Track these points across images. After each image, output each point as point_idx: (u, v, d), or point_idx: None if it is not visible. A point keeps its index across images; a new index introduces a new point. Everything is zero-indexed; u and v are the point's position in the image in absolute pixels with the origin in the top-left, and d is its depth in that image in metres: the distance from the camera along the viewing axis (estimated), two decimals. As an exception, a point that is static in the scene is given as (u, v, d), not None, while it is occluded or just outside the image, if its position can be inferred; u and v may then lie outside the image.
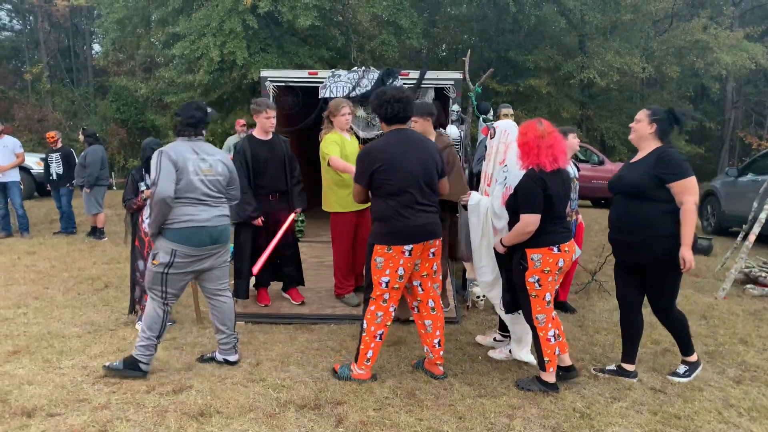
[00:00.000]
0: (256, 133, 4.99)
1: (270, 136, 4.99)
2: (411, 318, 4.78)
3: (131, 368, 3.74)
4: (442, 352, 3.85)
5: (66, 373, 3.80)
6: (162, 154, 3.67)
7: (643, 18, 21.16)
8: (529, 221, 3.42)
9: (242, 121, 10.25)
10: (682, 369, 3.86)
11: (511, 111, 5.95)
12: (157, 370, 3.88)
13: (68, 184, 9.24)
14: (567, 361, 3.74)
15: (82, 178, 8.78)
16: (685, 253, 3.44)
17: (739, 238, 7.10)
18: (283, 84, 6.43)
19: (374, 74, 6.22)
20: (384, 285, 3.63)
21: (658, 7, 21.64)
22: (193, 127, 3.83)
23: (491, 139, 4.22)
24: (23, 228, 8.93)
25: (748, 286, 6.24)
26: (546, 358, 3.59)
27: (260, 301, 5.19)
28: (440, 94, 6.33)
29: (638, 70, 19.71)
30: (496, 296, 4.08)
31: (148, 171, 4.66)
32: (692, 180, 3.45)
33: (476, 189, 4.73)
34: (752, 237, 6.27)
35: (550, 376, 3.61)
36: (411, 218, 3.56)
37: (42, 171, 10.49)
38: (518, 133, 3.59)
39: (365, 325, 3.69)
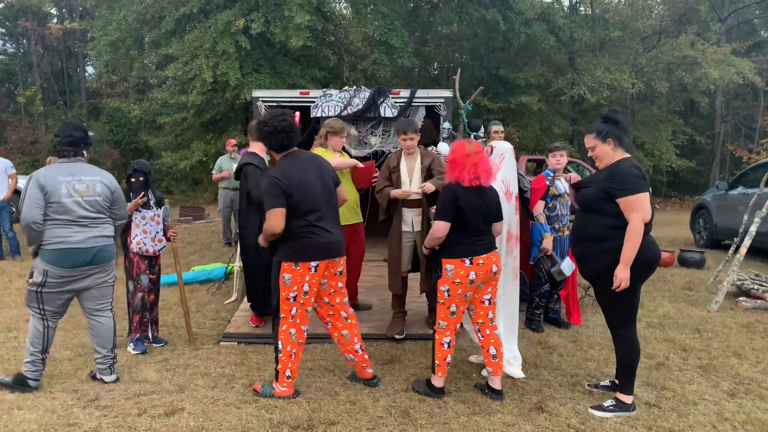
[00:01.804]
0: (258, 150, 4.97)
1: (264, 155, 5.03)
2: (402, 336, 4.80)
3: (20, 384, 3.84)
4: (366, 356, 3.95)
5: (57, 396, 3.76)
6: (32, 179, 3.72)
7: (631, 35, 21.46)
8: (438, 227, 3.67)
9: (233, 141, 10.25)
10: (608, 402, 3.58)
11: (501, 128, 5.99)
12: (149, 392, 3.85)
13: None
14: (498, 384, 3.79)
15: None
16: (620, 270, 3.34)
17: (730, 251, 7.13)
18: (275, 104, 6.46)
19: (365, 93, 6.26)
20: (292, 300, 3.69)
21: (646, 24, 21.97)
22: (72, 146, 3.87)
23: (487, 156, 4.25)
24: (14, 251, 8.88)
25: (741, 298, 6.26)
26: (437, 362, 3.75)
27: (253, 321, 5.17)
28: (431, 112, 6.38)
29: (628, 86, 19.95)
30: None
31: (134, 191, 4.70)
32: (640, 197, 3.36)
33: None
34: (743, 250, 6.30)
35: (437, 380, 3.77)
36: (316, 236, 3.67)
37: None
38: (450, 150, 3.81)
39: (280, 346, 3.73)
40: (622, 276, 3.34)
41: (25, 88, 27.71)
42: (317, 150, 5.03)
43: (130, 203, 4.66)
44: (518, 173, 5.90)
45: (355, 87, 6.39)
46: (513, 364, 4.10)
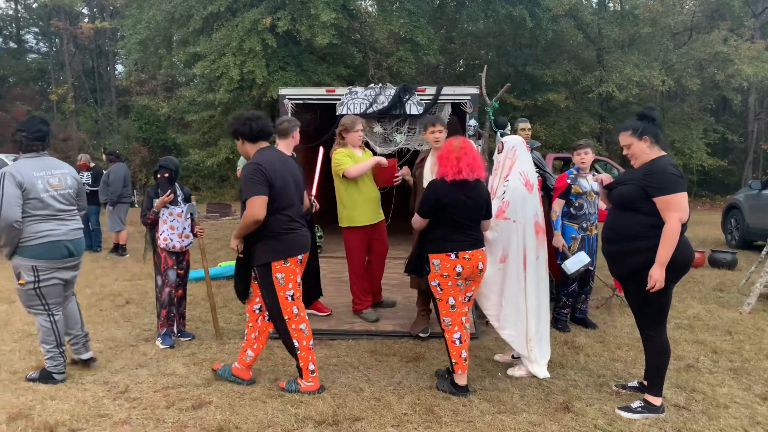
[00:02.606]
0: (284, 149, 4.96)
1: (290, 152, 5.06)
2: (426, 334, 4.79)
3: (46, 379, 3.91)
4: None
5: (87, 388, 3.84)
6: (5, 176, 3.67)
7: (661, 31, 21.10)
8: (415, 220, 3.85)
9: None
10: (636, 404, 3.50)
11: (528, 125, 5.95)
12: (177, 385, 3.90)
13: (97, 202, 9.40)
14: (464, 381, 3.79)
15: (105, 196, 8.95)
16: (655, 271, 3.27)
17: (764, 252, 6.96)
18: (301, 102, 6.50)
19: (391, 91, 6.26)
20: (290, 299, 3.70)
21: (677, 20, 21.57)
22: (40, 141, 3.88)
23: (498, 153, 4.23)
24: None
25: (775, 300, 6.11)
26: (453, 360, 3.75)
27: None
28: (457, 109, 6.35)
29: (658, 83, 19.61)
30: (506, 327, 4.08)
31: (161, 187, 4.76)
32: (678, 196, 3.28)
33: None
34: (777, 250, 6.14)
35: (460, 379, 3.75)
36: (298, 230, 3.74)
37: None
38: (441, 147, 3.89)
39: (296, 344, 3.74)
40: (657, 276, 3.27)
41: (57, 86, 28.36)
42: (341, 151, 5.00)
43: (157, 200, 4.73)
44: (546, 171, 5.88)
45: (380, 84, 6.40)
46: (540, 363, 4.06)
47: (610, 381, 4.01)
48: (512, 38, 22.59)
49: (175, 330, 4.92)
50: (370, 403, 3.62)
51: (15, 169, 3.72)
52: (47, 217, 3.79)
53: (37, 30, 33.66)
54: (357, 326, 5.04)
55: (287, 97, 6.41)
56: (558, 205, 5.18)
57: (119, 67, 31.87)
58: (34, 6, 32.97)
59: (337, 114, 6.35)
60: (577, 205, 5.17)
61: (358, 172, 4.90)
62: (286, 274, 3.67)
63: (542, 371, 4.05)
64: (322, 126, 6.96)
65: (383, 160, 5.05)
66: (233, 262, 7.71)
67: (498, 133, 6.70)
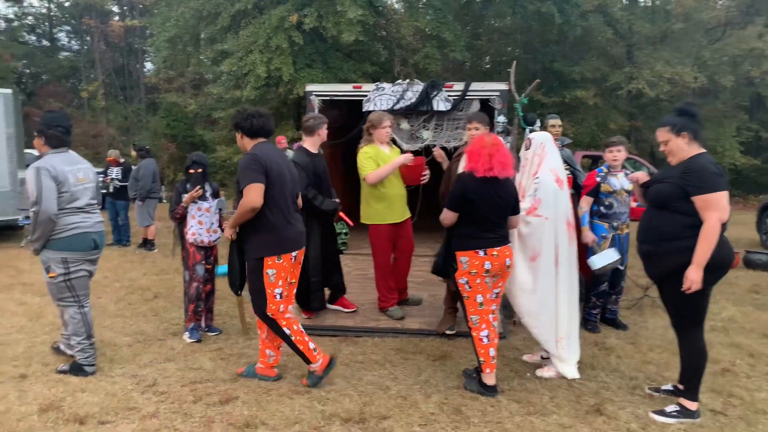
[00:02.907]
0: (309, 146, 4.94)
1: (317, 149, 5.06)
2: (453, 332, 4.73)
3: (77, 371, 3.96)
4: (280, 356, 3.99)
5: (117, 381, 3.88)
6: (40, 171, 3.74)
7: (694, 27, 20.62)
8: (446, 215, 3.75)
9: (283, 138, 10.42)
10: (670, 408, 3.42)
11: (558, 122, 5.83)
12: (204, 380, 3.92)
13: (126, 197, 9.52)
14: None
15: (134, 191, 9.06)
16: (692, 272, 3.16)
17: (802, 254, 6.75)
18: (327, 98, 6.48)
19: (419, 87, 6.19)
20: (278, 297, 3.68)
21: (710, 16, 21.07)
22: (66, 136, 3.99)
23: (526, 150, 4.15)
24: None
25: (814, 303, 5.91)
26: (481, 359, 3.70)
27: (305, 313, 5.21)
28: (486, 105, 6.26)
29: (690, 80, 19.17)
30: (537, 325, 4.00)
31: (192, 182, 4.78)
32: (718, 195, 3.17)
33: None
34: (817, 252, 5.94)
35: (488, 378, 3.70)
36: (293, 226, 3.73)
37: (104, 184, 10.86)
38: (469, 144, 3.83)
39: (288, 332, 3.71)
40: (693, 278, 3.17)
41: (88, 84, 28.86)
42: (368, 148, 4.96)
43: (186, 195, 4.75)
44: (576, 169, 5.77)
45: (408, 80, 6.34)
46: (569, 363, 3.98)
47: (642, 384, 3.91)
48: (540, 34, 22.27)
49: (203, 325, 4.95)
50: (397, 401, 3.58)
51: (48, 164, 3.79)
52: (76, 210, 3.88)
53: (69, 28, 34.29)
54: (383, 323, 5.01)
55: (314, 93, 6.39)
56: (586, 202, 5.08)
57: (148, 65, 32.32)
58: (66, 4, 33.59)
59: (363, 110, 6.31)
60: (607, 203, 5.06)
61: (378, 178, 4.86)
62: (278, 271, 3.66)
63: (572, 371, 3.97)
64: (348, 122, 6.93)
65: (409, 158, 4.97)
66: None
67: (527, 130, 6.59)
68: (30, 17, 33.92)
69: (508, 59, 24.14)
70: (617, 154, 5.02)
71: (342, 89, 6.57)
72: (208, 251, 4.93)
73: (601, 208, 5.08)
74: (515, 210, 3.80)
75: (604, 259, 4.69)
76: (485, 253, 3.63)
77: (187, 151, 23.99)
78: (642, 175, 3.79)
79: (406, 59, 18.39)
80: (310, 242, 4.91)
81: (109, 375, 3.98)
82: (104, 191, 9.69)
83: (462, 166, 4.70)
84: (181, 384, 3.84)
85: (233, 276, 3.93)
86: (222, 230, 4.97)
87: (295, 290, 4.00)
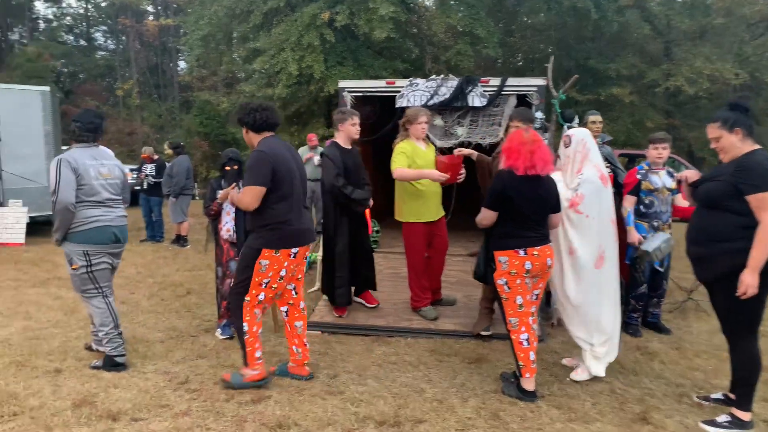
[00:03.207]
0: (341, 141, 4.91)
1: (350, 145, 5.00)
2: (488, 333, 4.61)
3: (110, 365, 3.98)
4: (308, 351, 3.95)
5: (149, 377, 3.86)
6: (61, 162, 3.81)
7: (736, 22, 19.96)
8: (485, 214, 3.63)
9: (314, 136, 10.40)
10: (722, 418, 3.26)
11: (599, 118, 5.64)
12: (236, 378, 3.87)
13: (160, 194, 9.61)
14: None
15: (168, 188, 9.13)
16: (747, 275, 2.98)
17: None
18: (360, 94, 6.40)
19: (453, 82, 6.08)
20: (264, 285, 3.62)
21: (753, 10, 20.35)
22: (92, 132, 4.02)
23: (565, 147, 3.98)
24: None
25: None
26: (521, 363, 3.57)
27: (336, 312, 5.14)
28: (523, 101, 6.10)
29: (731, 77, 18.55)
30: (576, 321, 3.87)
31: (227, 178, 4.74)
32: None
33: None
34: None
35: (528, 383, 3.57)
36: (297, 222, 3.64)
37: (132, 181, 10.99)
38: (506, 140, 3.68)
39: (246, 327, 3.65)
40: (749, 282, 2.99)
41: (123, 82, 29.40)
42: (405, 144, 4.84)
43: (221, 192, 4.72)
44: (617, 167, 5.58)
45: (442, 76, 6.23)
46: (602, 361, 3.82)
47: (689, 391, 3.73)
48: (575, 31, 21.83)
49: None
50: (433, 404, 3.48)
51: (69, 156, 3.86)
52: (96, 203, 3.91)
53: (105, 28, 35.04)
54: (415, 324, 4.91)
55: (347, 89, 6.32)
56: (629, 201, 4.90)
57: (182, 64, 32.79)
58: (103, 5, 34.30)
59: (396, 106, 6.22)
60: (647, 202, 4.87)
61: (402, 178, 4.74)
62: (271, 263, 3.59)
63: (601, 369, 3.82)
64: (381, 119, 6.85)
65: (443, 177, 4.72)
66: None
67: (565, 127, 6.42)
68: (68, 17, 34.79)
69: (541, 56, 23.78)
70: (663, 151, 4.82)
71: (375, 85, 6.49)
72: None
73: (641, 207, 4.89)
74: (556, 208, 3.67)
75: (654, 240, 4.47)
76: (525, 253, 3.51)
77: (219, 148, 24.23)
78: (692, 174, 3.61)
79: (438, 56, 18.21)
80: (337, 236, 4.95)
81: (142, 371, 3.97)
82: (138, 187, 9.81)
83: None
84: (214, 381, 3.80)
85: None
86: None
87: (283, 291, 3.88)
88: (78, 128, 4.00)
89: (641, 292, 4.95)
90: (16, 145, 9.56)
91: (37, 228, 9.81)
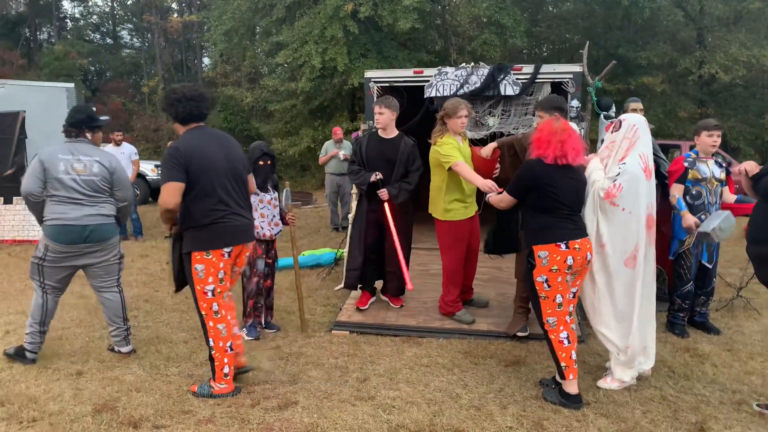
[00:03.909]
0: (380, 130, 4.89)
1: (390, 135, 4.83)
2: (525, 333, 4.37)
3: (19, 356, 3.97)
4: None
5: (172, 380, 3.71)
6: (37, 155, 3.85)
7: (773, 5, 19.20)
8: (504, 198, 3.60)
9: (339, 130, 10.21)
10: None
11: (640, 105, 5.32)
12: (262, 381, 3.71)
13: None
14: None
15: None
16: None
17: None
18: (387, 84, 6.18)
19: (484, 70, 5.81)
20: (210, 294, 3.43)
21: (791, -7, 19.58)
22: (74, 127, 3.96)
23: (614, 131, 3.68)
24: (137, 231, 9.32)
25: None
26: (563, 364, 3.35)
27: (359, 303, 4.97)
28: (558, 89, 5.82)
29: (768, 63, 17.89)
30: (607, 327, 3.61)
31: (258, 173, 4.55)
32: None
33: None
34: None
35: (571, 386, 3.35)
36: (226, 219, 3.40)
37: (157, 177, 10.94)
38: (536, 130, 3.54)
39: (211, 343, 3.47)
40: None
41: (149, 79, 29.57)
42: (448, 142, 4.52)
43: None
44: (659, 157, 5.27)
45: (472, 64, 5.97)
46: (633, 368, 3.57)
47: (748, 398, 3.46)
48: (603, 19, 21.27)
49: (263, 321, 4.75)
50: (470, 412, 3.26)
51: (47, 150, 3.88)
52: (64, 199, 3.83)
53: (131, 26, 35.32)
54: (448, 324, 4.69)
55: (373, 79, 6.10)
56: (677, 189, 4.55)
57: (206, 60, 32.88)
58: (128, 2, 34.57)
59: (425, 96, 5.99)
60: (694, 192, 4.56)
61: (462, 173, 4.37)
62: (207, 267, 3.36)
63: (626, 375, 3.56)
64: (408, 110, 6.61)
65: (493, 189, 4.45)
66: (317, 251, 7.61)
67: (601, 116, 6.12)
68: (95, 16, 35.13)
69: (568, 46, 23.28)
70: (717, 138, 4.50)
71: (402, 75, 6.25)
72: (269, 245, 4.73)
73: (687, 198, 4.57)
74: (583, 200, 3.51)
75: (713, 219, 4.04)
76: (567, 246, 3.28)
77: (243, 144, 24.06)
78: (751, 166, 3.32)
79: (463, 47, 17.90)
80: (355, 220, 5.02)
81: (165, 374, 3.82)
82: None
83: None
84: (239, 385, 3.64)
85: (173, 272, 3.67)
86: (285, 223, 4.78)
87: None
88: (63, 124, 3.99)
89: (687, 290, 4.65)
90: (41, 141, 9.47)
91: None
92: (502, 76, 5.76)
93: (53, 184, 3.80)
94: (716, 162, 4.66)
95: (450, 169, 4.41)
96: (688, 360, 4.08)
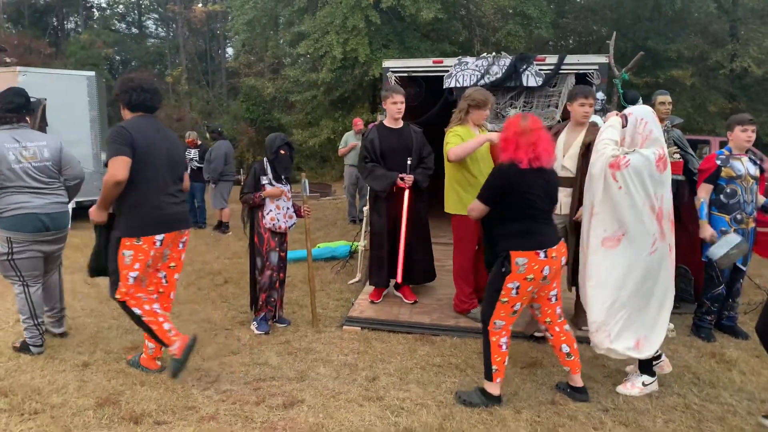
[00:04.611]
0: (386, 121, 4.78)
1: (399, 125, 4.75)
2: (542, 334, 4.20)
3: (24, 350, 3.93)
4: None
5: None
6: None
7: (810, -3, 18.55)
8: (475, 206, 3.32)
9: (360, 121, 10.08)
10: None
11: (668, 98, 5.08)
12: (269, 377, 3.61)
13: (203, 179, 9.48)
14: (579, 381, 3.39)
15: (208, 174, 8.99)
16: None
17: None
18: (405, 74, 6.02)
19: (506, 61, 5.62)
20: (131, 281, 3.39)
21: (830, -16, 18.89)
22: (14, 112, 3.83)
23: (622, 128, 3.49)
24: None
25: None
26: (494, 367, 3.25)
27: (372, 296, 4.87)
28: (582, 80, 5.60)
29: (804, 57, 17.29)
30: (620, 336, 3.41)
31: (279, 164, 4.45)
32: None
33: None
34: None
35: (494, 388, 3.27)
36: (163, 207, 3.42)
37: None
38: (503, 128, 3.36)
39: (138, 312, 3.43)
40: None
41: (173, 69, 29.76)
42: (459, 128, 4.41)
43: (271, 188, 4.41)
44: (688, 152, 5.06)
45: (494, 54, 5.78)
46: (615, 340, 3.37)
47: (779, 409, 3.26)
48: (632, 10, 20.76)
49: (275, 316, 4.65)
50: (482, 416, 3.13)
51: None
52: (21, 189, 3.73)
53: (156, 16, 35.57)
54: (462, 322, 4.55)
55: (391, 69, 5.95)
56: (705, 190, 4.37)
57: (230, 50, 32.98)
58: (154, -8, 34.82)
59: (444, 87, 5.82)
60: (728, 191, 4.34)
61: (459, 154, 4.22)
62: (135, 253, 3.36)
63: (605, 342, 3.38)
64: (427, 101, 6.45)
65: (494, 137, 4.39)
66: (332, 244, 7.50)
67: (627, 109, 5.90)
68: (121, 6, 35.43)
69: (596, 38, 22.78)
70: (752, 134, 4.28)
71: (421, 64, 6.08)
72: (283, 237, 4.61)
73: (721, 197, 4.36)
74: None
75: (722, 246, 3.98)
76: (546, 255, 3.13)
77: (265, 134, 24.11)
78: None
79: (487, 38, 17.61)
80: (372, 215, 4.90)
81: (172, 367, 3.75)
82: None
83: (562, 146, 4.19)
84: (245, 381, 3.55)
85: (95, 257, 3.60)
86: (299, 216, 4.67)
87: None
88: None
89: (718, 292, 4.43)
90: (62, 130, 9.54)
91: (84, 213, 9.85)
92: (524, 67, 5.57)
93: (6, 176, 3.68)
94: (750, 159, 4.43)
95: (448, 158, 4.33)
96: (714, 366, 3.88)
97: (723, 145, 4.48)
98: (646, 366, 3.47)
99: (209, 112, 29.23)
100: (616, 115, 3.55)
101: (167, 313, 3.60)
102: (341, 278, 6.21)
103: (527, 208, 3.16)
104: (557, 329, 3.38)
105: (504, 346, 3.26)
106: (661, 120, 5.04)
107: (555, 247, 3.18)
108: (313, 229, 9.16)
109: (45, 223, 3.81)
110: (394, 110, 4.62)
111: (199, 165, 9.47)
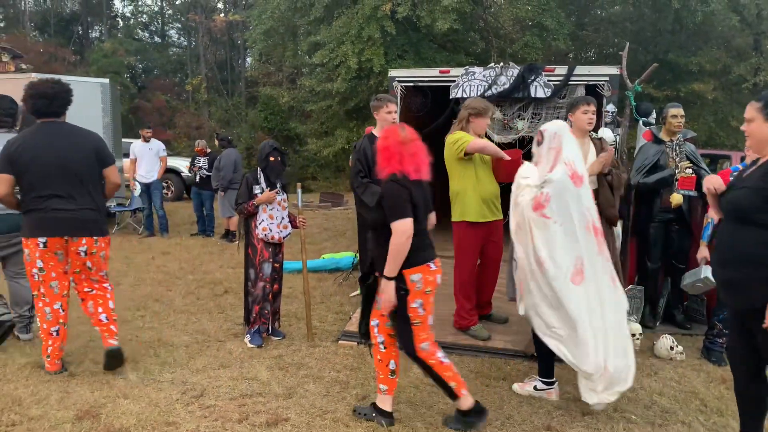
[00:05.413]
0: (376, 131, 4.69)
1: None
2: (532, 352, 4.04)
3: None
4: (113, 327, 3.80)
5: (163, 388, 3.54)
6: None
7: (837, 10, 18.16)
8: (405, 227, 2.92)
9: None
10: None
11: (681, 111, 4.88)
12: (255, 393, 3.51)
13: (212, 188, 9.47)
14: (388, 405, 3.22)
15: (216, 182, 8.97)
16: None
17: None
18: (411, 84, 5.94)
19: (514, 71, 5.51)
20: (36, 277, 3.62)
21: None
22: (11, 117, 4.10)
23: (538, 145, 3.36)
24: (162, 228, 9.31)
25: None
26: (451, 383, 3.05)
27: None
28: (592, 92, 5.46)
29: (830, 72, 16.90)
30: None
31: (271, 171, 4.39)
32: None
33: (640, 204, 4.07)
34: None
35: (467, 400, 3.07)
36: (46, 211, 3.53)
37: (190, 174, 10.97)
38: (379, 138, 3.23)
39: (38, 323, 3.73)
40: None
41: (193, 78, 30.09)
42: (456, 134, 4.33)
43: (262, 195, 4.34)
44: (701, 167, 4.89)
45: (501, 64, 5.68)
46: (601, 394, 3.16)
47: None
48: (653, 23, 20.50)
49: (270, 328, 4.55)
50: (472, 441, 2.98)
51: None
52: None
53: (179, 25, 36.06)
54: (462, 339, 4.40)
55: (397, 79, 5.87)
56: (716, 210, 4.18)
57: (249, 60, 33.26)
58: (177, 2, 35.29)
59: (450, 97, 5.72)
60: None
61: (483, 147, 4.10)
62: (31, 251, 3.58)
63: (594, 399, 3.16)
64: (433, 111, 6.35)
65: (504, 155, 4.25)
66: (337, 255, 7.40)
67: (640, 122, 5.74)
68: (144, 15, 36.01)
69: (615, 51, 22.52)
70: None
71: (427, 74, 6.01)
72: (277, 248, 4.53)
73: None
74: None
75: (692, 275, 4.11)
76: (435, 266, 3.07)
77: (282, 144, 24.22)
78: (718, 183, 2.88)
79: (504, 49, 17.48)
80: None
81: (158, 380, 3.67)
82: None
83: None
84: (231, 396, 3.45)
85: None
86: (294, 226, 4.58)
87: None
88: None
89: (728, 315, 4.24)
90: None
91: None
92: (532, 78, 5.46)
93: None
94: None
95: (467, 154, 4.11)
96: (723, 392, 3.68)
97: (743, 160, 4.30)
98: (542, 371, 3.50)
99: (228, 120, 29.47)
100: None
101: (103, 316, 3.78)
102: (343, 290, 6.10)
103: (416, 222, 2.99)
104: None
105: (444, 359, 3.10)
106: (674, 133, 4.87)
107: (437, 257, 3.12)
108: (320, 239, 9.10)
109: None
110: (389, 119, 4.53)
111: (208, 173, 9.46)
